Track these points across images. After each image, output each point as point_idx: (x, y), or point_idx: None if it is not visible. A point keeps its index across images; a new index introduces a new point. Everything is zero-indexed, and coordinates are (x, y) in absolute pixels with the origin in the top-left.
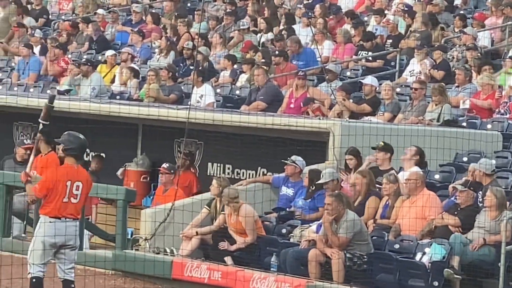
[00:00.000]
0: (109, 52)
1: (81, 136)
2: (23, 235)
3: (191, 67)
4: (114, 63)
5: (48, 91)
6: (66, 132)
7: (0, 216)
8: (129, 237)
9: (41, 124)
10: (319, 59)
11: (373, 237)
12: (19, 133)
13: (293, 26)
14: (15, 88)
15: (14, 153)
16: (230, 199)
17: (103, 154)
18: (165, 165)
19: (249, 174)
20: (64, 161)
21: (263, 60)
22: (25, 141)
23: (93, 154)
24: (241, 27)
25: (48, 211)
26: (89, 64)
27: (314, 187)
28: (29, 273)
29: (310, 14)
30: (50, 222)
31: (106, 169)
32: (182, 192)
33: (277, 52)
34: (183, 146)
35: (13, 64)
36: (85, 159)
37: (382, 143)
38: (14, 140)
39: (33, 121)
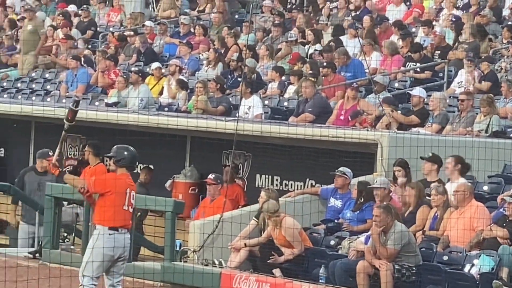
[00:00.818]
0: (155, 65)
1: (131, 148)
2: (71, 247)
3: (239, 79)
4: (161, 75)
5: (74, 96)
6: (115, 146)
7: (49, 228)
8: (178, 249)
9: (65, 125)
10: (367, 70)
11: (422, 249)
12: (67, 145)
13: (341, 38)
14: (64, 100)
15: (33, 165)
16: (270, 213)
17: (151, 166)
18: (211, 176)
19: (297, 185)
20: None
21: (311, 72)
22: (49, 152)
23: (142, 166)
24: (289, 39)
25: (106, 219)
26: (139, 74)
27: (363, 199)
28: (81, 285)
29: (357, 25)
30: (109, 234)
31: (155, 181)
32: (230, 204)
33: (325, 64)
34: (231, 157)
35: (61, 76)
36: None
37: (431, 154)
38: (63, 152)
39: (81, 133)
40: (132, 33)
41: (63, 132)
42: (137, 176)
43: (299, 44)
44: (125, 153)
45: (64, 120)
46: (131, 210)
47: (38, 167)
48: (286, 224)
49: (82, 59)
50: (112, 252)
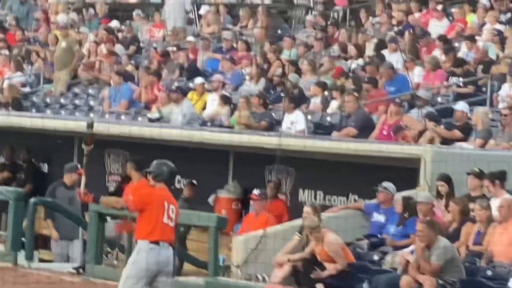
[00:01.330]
0: (198, 80)
1: (170, 163)
2: (115, 262)
3: (282, 94)
4: (204, 90)
5: (91, 115)
6: (154, 161)
7: (93, 244)
8: (221, 264)
9: (85, 150)
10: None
11: (466, 264)
12: (110, 161)
13: (383, 52)
14: (107, 116)
15: (61, 179)
16: (311, 229)
17: (195, 182)
18: (256, 192)
19: (340, 200)
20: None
21: (354, 87)
22: (78, 166)
23: (186, 182)
24: (332, 54)
25: (147, 233)
26: (179, 91)
27: (407, 214)
28: None
29: (397, 39)
30: (150, 248)
31: (198, 196)
32: (273, 219)
33: (366, 79)
34: (274, 173)
35: (104, 92)
36: (177, 186)
37: (477, 170)
38: (105, 168)
39: (125, 149)
40: (174, 48)
41: (85, 158)
42: (181, 191)
43: (341, 59)
44: (164, 168)
45: (83, 146)
46: (171, 224)
47: (67, 182)
48: (328, 239)
49: (130, 74)
50: (153, 267)
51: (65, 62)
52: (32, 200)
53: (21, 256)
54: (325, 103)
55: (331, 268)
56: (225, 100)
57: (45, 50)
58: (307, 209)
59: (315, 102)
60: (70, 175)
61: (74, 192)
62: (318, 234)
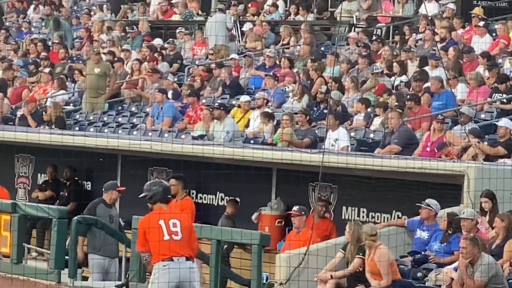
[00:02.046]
0: (244, 98)
1: (160, 181)
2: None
3: (325, 111)
4: (249, 108)
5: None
6: (146, 184)
7: (135, 261)
8: (264, 281)
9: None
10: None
11: (509, 281)
12: (153, 179)
13: (425, 69)
14: (150, 134)
15: (101, 197)
16: (367, 235)
17: (237, 199)
18: (296, 208)
19: (384, 217)
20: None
21: (397, 103)
22: (117, 183)
23: (228, 199)
24: (375, 71)
25: (156, 256)
26: (222, 108)
27: (451, 230)
28: None
29: (437, 56)
30: (163, 266)
31: (241, 213)
32: (316, 235)
33: (408, 96)
34: (318, 190)
35: (147, 110)
36: (220, 203)
37: None
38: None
39: (168, 167)
40: (214, 65)
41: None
42: (224, 208)
43: (384, 76)
44: (154, 188)
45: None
46: (176, 237)
47: (106, 199)
48: (381, 251)
49: (169, 92)
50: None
51: (101, 88)
52: (75, 218)
53: (65, 274)
54: (369, 120)
55: (375, 284)
56: (267, 117)
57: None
58: (349, 226)
59: (358, 119)
60: (110, 193)
61: (113, 210)
62: (373, 243)
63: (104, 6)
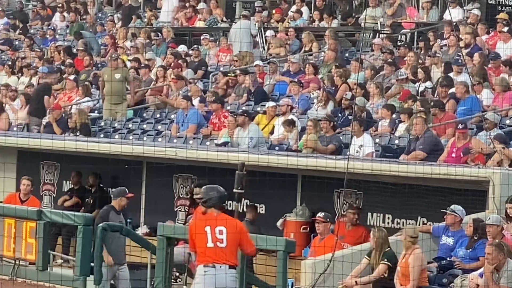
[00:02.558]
0: (270, 104)
1: (219, 188)
2: (184, 287)
3: (350, 117)
4: (273, 114)
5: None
6: (204, 187)
7: (161, 268)
8: None
9: (236, 194)
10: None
11: None
12: (179, 185)
13: (450, 75)
14: (175, 140)
15: (111, 204)
16: (408, 236)
17: (257, 205)
18: (320, 214)
19: (409, 223)
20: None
21: (422, 109)
22: (126, 190)
23: (247, 204)
24: (400, 77)
25: (199, 259)
26: (245, 115)
27: (476, 236)
28: None
29: (460, 61)
30: (204, 271)
31: (266, 219)
32: (340, 242)
33: (433, 103)
34: (343, 196)
35: (172, 116)
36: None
37: None
38: (174, 192)
39: (193, 173)
40: (238, 72)
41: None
42: (244, 215)
43: (409, 82)
44: (212, 193)
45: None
46: (221, 245)
47: (116, 206)
48: (415, 255)
49: (197, 99)
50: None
51: (121, 94)
52: (100, 225)
53: (90, 281)
54: (393, 126)
55: None
56: (289, 124)
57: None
58: (373, 233)
59: (383, 125)
60: (119, 200)
61: (121, 217)
62: (412, 245)
63: (115, 16)
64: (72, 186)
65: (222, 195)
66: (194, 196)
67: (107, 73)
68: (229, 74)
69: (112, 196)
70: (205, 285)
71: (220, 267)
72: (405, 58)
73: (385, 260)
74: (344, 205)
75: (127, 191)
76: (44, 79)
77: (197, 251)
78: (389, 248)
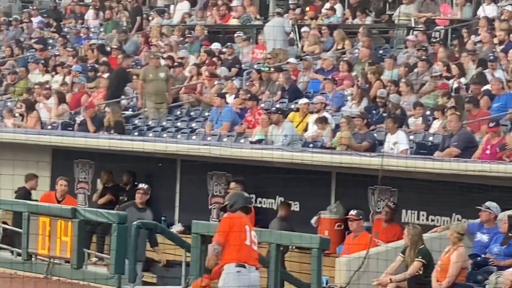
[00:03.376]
0: (303, 101)
1: (243, 194)
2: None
3: (384, 114)
4: (307, 111)
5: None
6: (230, 193)
7: (195, 266)
8: (324, 285)
9: None
10: None
11: None
12: (213, 183)
13: (484, 72)
14: (209, 138)
15: (133, 200)
16: (454, 231)
17: (291, 202)
18: (353, 212)
19: (444, 220)
20: None
21: (456, 106)
22: (148, 186)
23: (280, 201)
24: (434, 74)
25: (233, 256)
26: (279, 112)
27: (511, 233)
28: None
29: (496, 58)
30: (236, 271)
31: (300, 217)
32: (384, 240)
33: (467, 99)
34: (377, 193)
35: (206, 114)
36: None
37: None
38: (208, 190)
39: (227, 171)
40: (272, 69)
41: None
42: (276, 212)
43: (443, 79)
44: (237, 198)
45: None
46: (254, 247)
47: (138, 203)
48: (459, 252)
49: (232, 96)
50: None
51: (165, 93)
52: (135, 223)
53: (125, 279)
54: (427, 123)
55: (435, 286)
56: (322, 121)
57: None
58: (407, 230)
59: (417, 122)
60: (140, 196)
61: (143, 214)
62: (458, 242)
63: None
64: (106, 184)
65: (246, 201)
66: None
67: (151, 72)
68: (263, 69)
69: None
70: (236, 284)
71: (250, 268)
72: (438, 55)
73: (420, 257)
74: (379, 202)
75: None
76: (121, 63)
77: (230, 246)
78: (423, 246)
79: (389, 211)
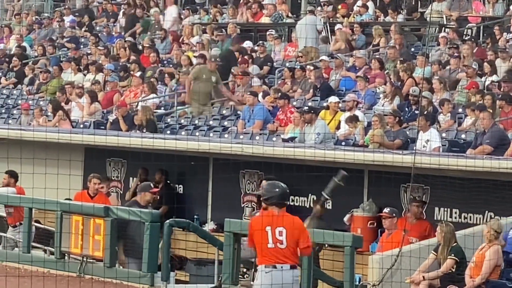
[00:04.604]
0: (333, 99)
1: (281, 184)
2: (251, 283)
3: (416, 112)
4: (338, 109)
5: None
6: (264, 183)
7: (228, 264)
8: (357, 283)
9: (322, 197)
10: None
11: None
12: (245, 181)
13: None
14: (241, 136)
15: (134, 198)
16: (491, 229)
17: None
18: (386, 210)
19: (476, 218)
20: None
21: (488, 103)
22: (151, 185)
23: (313, 199)
24: (472, 66)
25: (260, 259)
26: (312, 111)
27: None
28: None
29: None
30: (266, 272)
31: (333, 215)
32: (413, 236)
33: (500, 96)
34: (410, 191)
35: (238, 112)
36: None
37: None
38: (240, 188)
39: (259, 169)
40: (310, 67)
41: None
42: (308, 210)
43: (476, 76)
44: (274, 190)
45: (323, 193)
46: (281, 246)
47: (140, 201)
48: (493, 250)
49: (259, 94)
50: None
51: (209, 95)
52: (167, 221)
53: (158, 277)
54: (458, 120)
55: (469, 285)
56: (352, 120)
57: (179, 71)
58: (439, 228)
59: (446, 119)
60: (143, 195)
61: None
62: (494, 239)
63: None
64: (139, 182)
65: (283, 193)
66: (256, 192)
67: (205, 73)
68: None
69: (137, 191)
70: (267, 285)
71: (282, 267)
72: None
73: (452, 255)
74: (411, 200)
75: (152, 186)
76: (230, 48)
77: (257, 249)
78: (456, 243)
79: (417, 206)
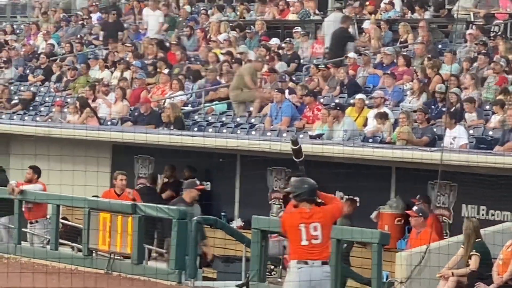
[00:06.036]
0: (359, 96)
1: (309, 180)
2: (278, 280)
3: (443, 109)
4: (364, 106)
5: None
6: (293, 180)
7: (256, 261)
8: (385, 280)
9: (297, 162)
10: None
11: None
12: (273, 178)
13: None
14: (268, 133)
15: (181, 196)
16: None
17: (356, 198)
18: (414, 208)
19: (504, 215)
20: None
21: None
22: (197, 181)
23: (346, 198)
24: (493, 68)
25: (292, 254)
26: (338, 108)
27: None
28: None
29: None
30: (297, 268)
31: (361, 212)
32: (436, 235)
33: None
34: (437, 188)
35: (265, 109)
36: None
37: None
38: (268, 185)
39: (287, 166)
40: (334, 65)
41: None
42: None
43: (503, 73)
44: (303, 186)
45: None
46: (316, 241)
47: (186, 198)
48: None
49: (287, 91)
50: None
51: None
52: (195, 218)
53: (185, 274)
54: (481, 117)
55: (497, 282)
56: (381, 116)
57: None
58: (466, 224)
59: (477, 116)
60: (189, 192)
61: (193, 209)
62: None
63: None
64: (167, 180)
65: (313, 189)
66: (285, 190)
67: (251, 72)
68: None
69: (182, 187)
70: (299, 281)
71: (313, 263)
72: (498, 49)
73: (474, 251)
74: (438, 197)
75: (197, 183)
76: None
77: (290, 246)
78: (479, 239)
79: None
